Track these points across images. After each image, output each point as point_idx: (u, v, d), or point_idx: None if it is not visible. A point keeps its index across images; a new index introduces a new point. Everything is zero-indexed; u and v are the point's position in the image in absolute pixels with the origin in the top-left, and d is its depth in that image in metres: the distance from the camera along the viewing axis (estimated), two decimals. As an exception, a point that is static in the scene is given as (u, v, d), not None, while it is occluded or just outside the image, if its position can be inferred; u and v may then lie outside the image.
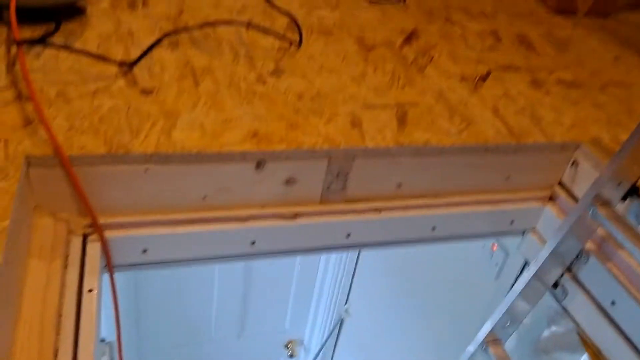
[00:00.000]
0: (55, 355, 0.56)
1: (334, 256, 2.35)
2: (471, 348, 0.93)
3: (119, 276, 0.76)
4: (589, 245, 0.83)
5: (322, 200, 0.82)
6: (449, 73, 1.04)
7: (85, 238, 0.71)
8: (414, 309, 1.74)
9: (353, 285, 2.28)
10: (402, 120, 0.87)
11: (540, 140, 0.89)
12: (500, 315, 0.88)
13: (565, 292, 0.87)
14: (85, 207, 0.70)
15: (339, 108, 0.86)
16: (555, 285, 0.88)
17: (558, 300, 0.88)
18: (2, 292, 0.53)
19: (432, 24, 1.25)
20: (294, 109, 0.84)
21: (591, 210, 0.76)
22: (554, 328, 0.92)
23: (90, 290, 0.65)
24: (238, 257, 0.81)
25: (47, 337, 0.57)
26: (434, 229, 0.89)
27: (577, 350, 0.87)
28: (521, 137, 0.88)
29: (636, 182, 0.76)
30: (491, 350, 0.91)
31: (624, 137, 0.93)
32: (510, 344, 0.98)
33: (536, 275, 0.84)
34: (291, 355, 2.78)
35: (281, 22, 1.12)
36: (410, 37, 1.16)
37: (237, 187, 0.77)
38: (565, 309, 0.88)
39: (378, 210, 0.85)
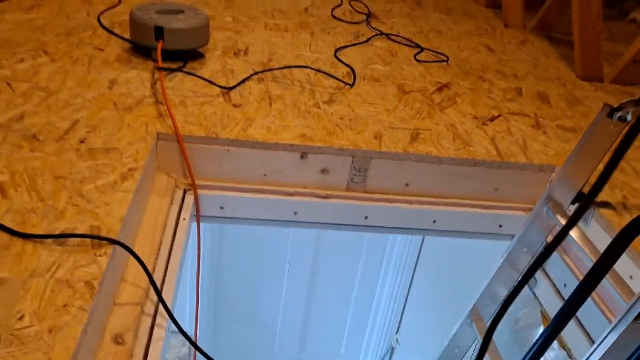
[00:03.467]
0: (159, 246, 0.91)
1: (388, 283, 2.58)
2: (458, 324, 1.15)
3: (202, 280, 1.11)
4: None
5: (347, 188, 1.14)
6: (464, 113, 1.34)
7: (184, 192, 1.08)
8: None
9: (405, 313, 2.48)
10: (414, 138, 1.17)
11: (521, 161, 1.15)
12: (481, 295, 1.11)
13: (535, 281, 1.09)
14: (187, 171, 1.07)
15: (369, 127, 1.19)
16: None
17: (530, 288, 1.10)
18: (137, 203, 0.89)
19: (465, 80, 1.56)
20: (335, 124, 1.18)
21: (545, 209, 1.00)
22: (525, 310, 1.12)
23: (184, 219, 1.00)
24: (284, 223, 1.14)
25: (156, 235, 0.92)
26: (434, 222, 1.16)
27: (538, 325, 1.07)
28: (505, 157, 1.15)
29: (582, 188, 0.99)
30: (475, 325, 1.13)
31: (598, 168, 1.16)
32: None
33: (508, 261, 1.07)
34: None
35: (343, 71, 1.49)
36: (442, 87, 1.48)
37: (287, 170, 1.11)
38: (535, 295, 1.10)
39: (389, 201, 1.15)
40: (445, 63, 1.66)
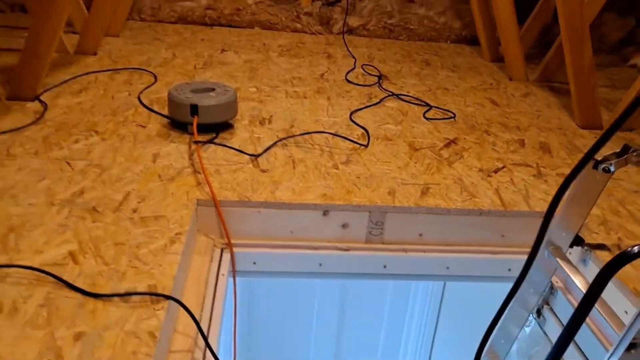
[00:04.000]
0: (203, 300, 1.04)
1: (413, 329, 2.63)
2: (476, 362, 1.24)
3: (239, 296, 1.24)
4: (557, 280, 1.16)
5: (366, 240, 1.26)
6: (471, 166, 1.46)
7: (222, 250, 1.22)
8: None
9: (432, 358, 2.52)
10: (424, 192, 1.30)
11: (524, 209, 1.26)
12: (495, 334, 1.21)
13: (544, 319, 1.19)
14: (224, 231, 1.21)
15: (383, 184, 1.33)
16: (539, 314, 1.20)
17: (540, 326, 1.19)
18: (183, 263, 1.03)
19: (471, 134, 1.70)
20: (352, 183, 1.32)
21: (546, 252, 1.11)
22: (537, 348, 1.20)
23: (222, 274, 1.14)
24: (311, 275, 1.26)
25: (200, 290, 1.06)
26: (447, 268, 1.27)
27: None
28: (509, 207, 1.26)
29: (578, 232, 1.10)
30: (491, 363, 1.22)
31: (596, 212, 1.27)
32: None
33: (517, 301, 1.17)
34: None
35: (358, 132, 1.64)
36: (449, 143, 1.62)
37: (311, 227, 1.24)
38: (545, 333, 1.19)
39: (405, 250, 1.26)
40: (452, 119, 1.80)
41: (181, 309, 0.91)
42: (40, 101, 1.61)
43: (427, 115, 1.82)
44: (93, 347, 0.76)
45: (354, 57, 2.46)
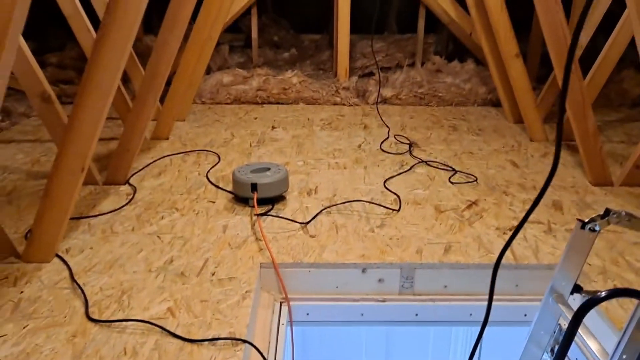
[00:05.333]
0: (268, 344, 1.32)
1: (459, 351, 2.77)
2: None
3: (295, 342, 1.51)
4: (564, 323, 1.36)
5: (400, 292, 1.51)
6: (489, 225, 1.71)
7: (281, 304, 1.50)
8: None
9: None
10: (447, 250, 1.55)
11: (533, 262, 1.48)
12: (514, 372, 1.41)
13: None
14: (282, 288, 1.49)
15: (412, 244, 1.59)
16: (552, 352, 1.40)
17: (553, 364, 1.39)
18: (253, 315, 1.31)
19: (491, 195, 1.94)
20: (386, 244, 1.59)
21: (550, 299, 1.33)
22: None
23: (282, 324, 1.41)
24: (354, 323, 1.52)
25: (265, 336, 1.33)
26: (470, 314, 1.50)
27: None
28: (520, 260, 1.49)
29: (576, 281, 1.32)
30: (513, 398, 1.41)
31: (598, 262, 1.48)
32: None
33: (530, 342, 1.38)
34: None
35: (390, 198, 1.92)
36: (471, 205, 1.86)
37: (352, 282, 1.51)
38: (557, 370, 1.38)
39: (433, 300, 1.51)
40: (474, 182, 2.06)
41: (253, 350, 1.18)
42: (130, 185, 1.99)
43: (452, 179, 2.09)
44: (194, 378, 1.05)
45: (387, 127, 2.77)
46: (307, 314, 1.51)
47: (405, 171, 2.18)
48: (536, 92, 2.77)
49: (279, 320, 1.42)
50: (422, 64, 3.66)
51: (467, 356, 2.72)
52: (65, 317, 1.23)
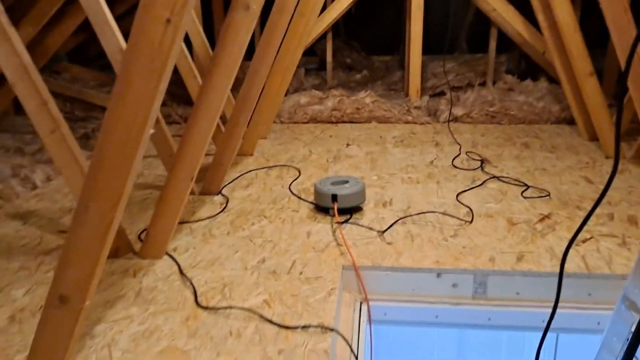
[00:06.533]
0: (351, 338, 1.45)
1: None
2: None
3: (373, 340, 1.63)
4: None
5: (473, 297, 1.61)
6: (561, 238, 1.76)
7: (361, 303, 1.63)
8: None
9: None
10: (519, 259, 1.63)
11: (605, 272, 1.53)
12: (587, 377, 1.46)
13: (629, 365, 1.43)
14: (362, 289, 1.63)
15: (484, 253, 1.68)
16: (624, 361, 1.44)
17: (626, 371, 1.43)
18: (337, 310, 1.46)
19: (564, 210, 1.99)
20: (460, 252, 1.69)
21: (623, 307, 1.38)
22: None
23: (362, 322, 1.55)
24: (429, 324, 1.62)
25: (348, 331, 1.47)
26: (543, 321, 1.56)
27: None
28: (592, 270, 1.54)
29: (648, 290, 1.36)
30: (586, 402, 1.46)
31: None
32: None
33: (604, 348, 1.43)
34: None
35: (463, 211, 2.01)
36: (543, 218, 1.92)
37: (428, 286, 1.62)
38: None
39: (506, 306, 1.59)
40: (547, 197, 2.11)
41: (339, 338, 1.33)
42: (223, 195, 2.21)
43: (524, 194, 2.15)
44: (291, 358, 1.21)
45: (459, 144, 2.86)
46: (385, 313, 1.64)
47: (478, 186, 2.26)
48: (612, 110, 2.76)
49: (359, 318, 1.56)
50: (494, 83, 3.71)
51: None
52: (179, 304, 1.43)
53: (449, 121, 3.30)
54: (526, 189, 2.20)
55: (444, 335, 2.54)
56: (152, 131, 1.17)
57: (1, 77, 3.07)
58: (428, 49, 3.61)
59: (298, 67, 3.95)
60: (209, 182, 2.21)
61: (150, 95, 0.89)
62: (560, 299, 1.61)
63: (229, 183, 2.36)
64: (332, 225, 1.92)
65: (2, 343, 1.26)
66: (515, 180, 2.31)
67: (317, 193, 2.02)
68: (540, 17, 2.80)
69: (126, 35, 1.19)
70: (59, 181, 2.44)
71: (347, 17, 4.06)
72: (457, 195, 2.15)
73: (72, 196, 2.23)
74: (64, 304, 1.03)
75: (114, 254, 1.66)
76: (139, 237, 1.83)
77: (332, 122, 3.45)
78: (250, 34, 1.64)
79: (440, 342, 2.74)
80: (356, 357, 1.31)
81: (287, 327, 1.32)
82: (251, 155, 2.78)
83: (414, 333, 2.45)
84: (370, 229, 1.88)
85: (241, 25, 1.58)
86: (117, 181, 0.96)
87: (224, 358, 1.22)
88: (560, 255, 1.64)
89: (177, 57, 1.07)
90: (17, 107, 3.73)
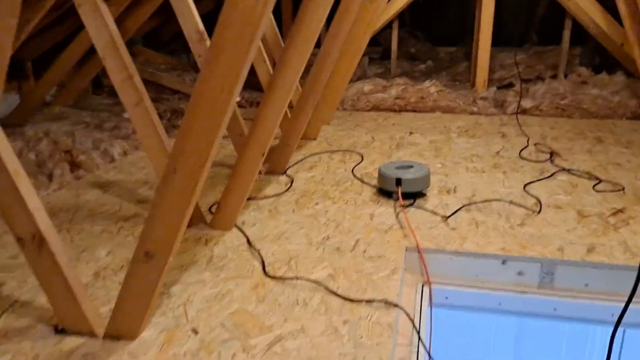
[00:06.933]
0: (413, 317, 1.47)
1: (596, 353, 2.66)
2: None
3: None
4: None
5: (539, 286, 1.58)
6: (636, 232, 1.70)
7: (422, 286, 1.64)
8: None
9: None
10: (590, 250, 1.59)
11: (683, 268, 1.46)
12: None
13: None
14: (425, 271, 1.64)
15: (552, 242, 1.64)
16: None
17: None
18: (400, 289, 1.47)
19: (639, 205, 1.91)
20: (526, 240, 1.66)
21: (703, 303, 1.32)
22: None
23: (423, 303, 1.56)
24: (492, 311, 1.61)
25: (410, 310, 1.48)
26: (612, 315, 1.52)
27: None
28: (669, 265, 1.48)
29: None
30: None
31: None
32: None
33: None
34: None
35: (531, 201, 1.97)
36: (617, 212, 1.85)
37: (492, 272, 1.60)
38: None
39: (573, 297, 1.55)
40: (621, 192, 2.03)
41: (402, 314, 1.35)
42: (287, 175, 2.27)
43: (596, 188, 2.07)
44: (356, 328, 1.24)
45: (527, 136, 2.78)
46: (446, 297, 1.64)
47: (547, 177, 2.20)
48: (696, 105, 2.61)
49: (421, 299, 1.57)
50: (565, 75, 3.58)
51: (604, 358, 2.65)
52: (248, 272, 1.49)
53: (517, 113, 3.21)
54: (598, 183, 2.12)
55: (502, 323, 2.50)
56: (238, 99, 1.23)
57: (81, 60, 3.26)
58: (495, 40, 3.52)
59: (362, 55, 3.97)
60: (275, 162, 2.27)
61: (240, 63, 0.94)
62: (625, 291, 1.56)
63: (293, 165, 2.41)
64: (395, 209, 1.93)
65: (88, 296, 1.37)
66: (587, 173, 2.23)
67: (381, 176, 2.04)
68: (622, 6, 2.67)
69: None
70: (134, 156, 2.58)
71: (413, 6, 4.02)
72: (525, 186, 2.11)
73: (147, 170, 2.36)
74: (150, 259, 1.10)
75: (188, 224, 1.74)
76: (209, 209, 1.92)
77: (395, 111, 3.44)
78: (327, 12, 1.67)
79: (498, 329, 2.69)
80: (419, 335, 1.32)
81: (352, 300, 1.35)
82: (314, 139, 2.82)
83: (472, 319, 2.43)
84: (435, 213, 1.87)
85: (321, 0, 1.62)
86: (204, 143, 1.02)
87: (291, 324, 1.27)
88: (635, 250, 1.58)
89: (265, 28, 1.12)
90: (95, 87, 3.96)
